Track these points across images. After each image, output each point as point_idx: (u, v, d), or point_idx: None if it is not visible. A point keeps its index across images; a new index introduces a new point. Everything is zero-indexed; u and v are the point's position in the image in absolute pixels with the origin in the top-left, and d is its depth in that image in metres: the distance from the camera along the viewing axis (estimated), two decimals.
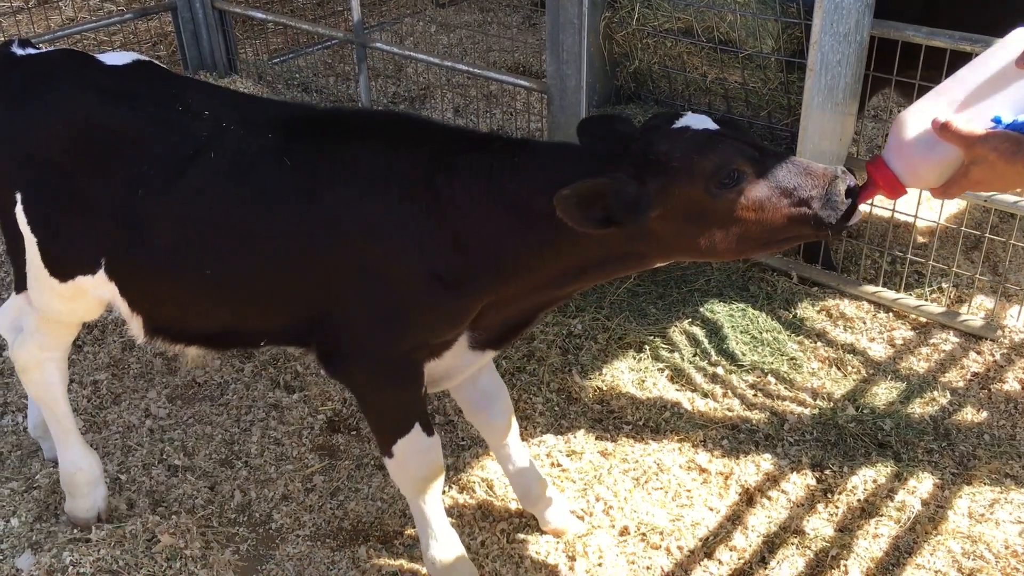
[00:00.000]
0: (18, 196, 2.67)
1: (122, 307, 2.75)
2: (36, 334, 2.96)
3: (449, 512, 3.24)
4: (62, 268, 2.72)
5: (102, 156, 2.58)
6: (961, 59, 3.72)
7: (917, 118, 2.06)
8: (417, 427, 2.67)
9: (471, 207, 2.40)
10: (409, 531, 3.21)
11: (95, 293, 2.76)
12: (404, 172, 2.45)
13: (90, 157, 2.58)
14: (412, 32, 7.45)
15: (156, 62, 2.87)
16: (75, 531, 3.12)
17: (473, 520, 3.23)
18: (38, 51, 2.83)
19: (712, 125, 2.22)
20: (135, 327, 2.78)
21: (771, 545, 3.10)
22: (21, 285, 2.90)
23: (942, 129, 1.96)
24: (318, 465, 3.48)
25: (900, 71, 3.86)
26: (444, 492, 3.32)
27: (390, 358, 2.57)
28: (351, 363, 2.60)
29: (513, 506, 3.28)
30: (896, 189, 2.13)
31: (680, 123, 2.22)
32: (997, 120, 1.93)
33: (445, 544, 2.86)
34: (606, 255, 2.36)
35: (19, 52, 2.80)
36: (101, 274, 2.68)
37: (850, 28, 3.59)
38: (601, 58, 4.13)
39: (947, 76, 3.90)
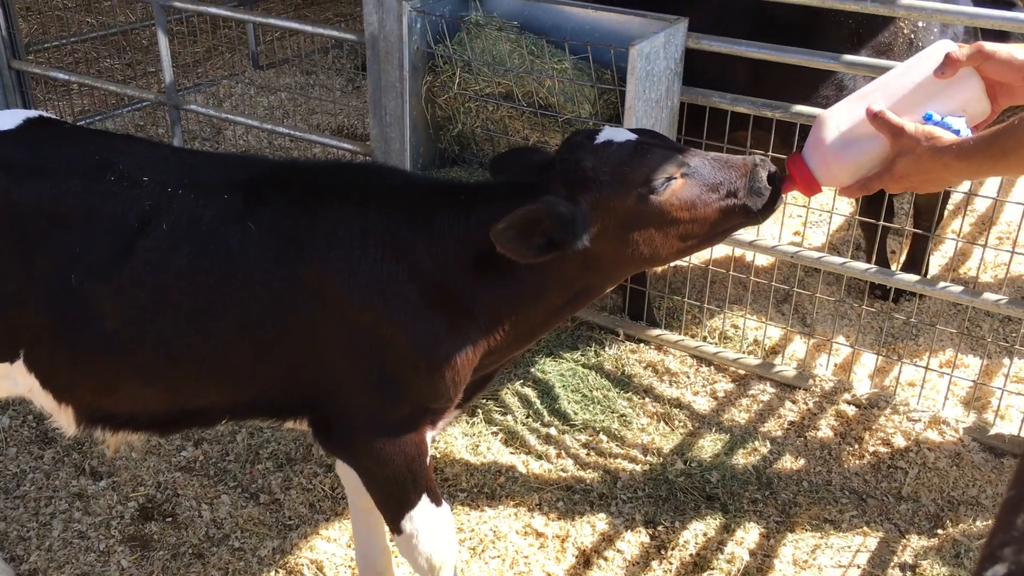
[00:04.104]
0: None
1: (44, 400, 2.49)
2: None
3: None
4: None
5: (20, 242, 2.29)
6: (764, 122, 3.97)
7: (836, 119, 2.15)
8: (425, 499, 2.54)
9: (450, 264, 2.34)
10: None
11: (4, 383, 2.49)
12: (385, 233, 2.34)
13: (5, 245, 2.30)
14: (231, 94, 7.25)
15: (54, 117, 2.56)
16: None
17: None
18: None
19: (631, 136, 2.27)
20: (64, 419, 2.51)
21: None
22: None
23: (875, 117, 2.03)
24: (129, 558, 3.20)
25: (709, 135, 4.05)
26: None
27: (389, 428, 2.44)
28: (350, 435, 2.46)
29: None
30: (811, 186, 2.21)
31: (601, 138, 2.26)
32: (928, 117, 2.03)
33: None
34: (565, 295, 2.38)
35: None
36: (20, 365, 2.41)
37: (661, 94, 3.73)
38: (424, 121, 4.13)
39: (752, 140, 4.12)
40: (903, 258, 4.92)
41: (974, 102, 2.05)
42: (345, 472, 2.85)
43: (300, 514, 3.42)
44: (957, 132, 1.98)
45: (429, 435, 2.55)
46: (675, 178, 2.21)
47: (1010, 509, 0.79)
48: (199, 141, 6.42)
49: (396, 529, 2.59)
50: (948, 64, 2.02)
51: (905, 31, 4.00)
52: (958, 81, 2.04)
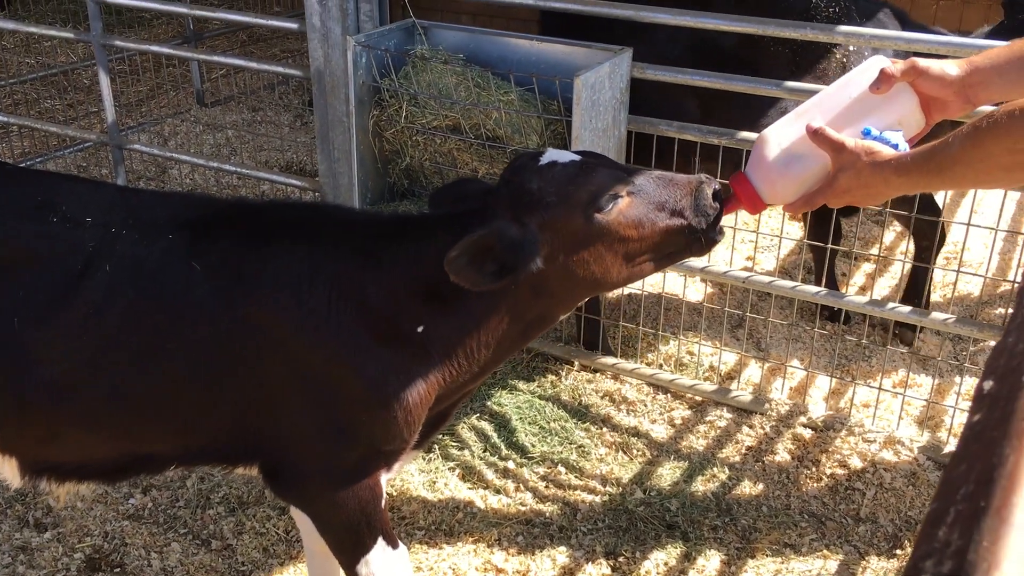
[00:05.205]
0: None
1: None
2: None
3: None
4: None
5: None
6: (709, 149, 4.01)
7: (777, 137, 2.15)
8: (381, 542, 2.48)
9: (401, 300, 2.30)
10: None
11: None
12: (333, 271, 2.29)
13: None
14: (176, 133, 7.15)
15: None
16: None
17: None
18: None
19: (575, 157, 2.25)
20: (8, 470, 2.42)
21: None
22: None
23: (815, 134, 2.03)
24: None
25: (657, 162, 4.07)
26: None
27: (341, 472, 2.38)
28: (302, 481, 2.41)
29: None
30: (756, 204, 2.21)
31: (545, 159, 2.24)
32: (867, 132, 2.04)
33: None
34: (519, 324, 2.34)
35: None
36: None
37: (608, 124, 3.75)
38: (372, 155, 4.09)
39: (698, 166, 4.14)
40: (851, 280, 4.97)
41: (910, 116, 2.08)
42: (299, 515, 2.78)
43: (254, 559, 3.33)
44: (895, 146, 2.01)
45: (384, 478, 2.50)
46: (621, 196, 2.20)
47: (931, 522, 0.79)
48: (144, 181, 6.32)
49: (352, 574, 2.53)
50: (883, 79, 2.04)
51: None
52: (894, 96, 2.07)
